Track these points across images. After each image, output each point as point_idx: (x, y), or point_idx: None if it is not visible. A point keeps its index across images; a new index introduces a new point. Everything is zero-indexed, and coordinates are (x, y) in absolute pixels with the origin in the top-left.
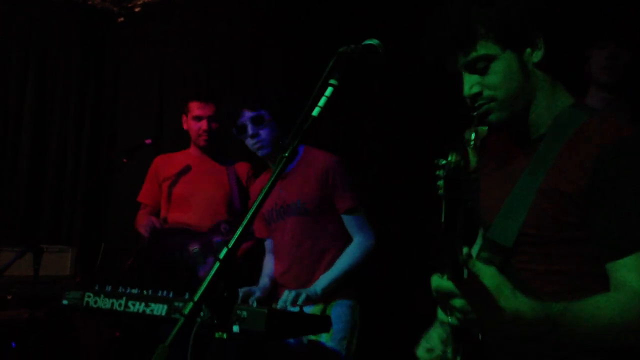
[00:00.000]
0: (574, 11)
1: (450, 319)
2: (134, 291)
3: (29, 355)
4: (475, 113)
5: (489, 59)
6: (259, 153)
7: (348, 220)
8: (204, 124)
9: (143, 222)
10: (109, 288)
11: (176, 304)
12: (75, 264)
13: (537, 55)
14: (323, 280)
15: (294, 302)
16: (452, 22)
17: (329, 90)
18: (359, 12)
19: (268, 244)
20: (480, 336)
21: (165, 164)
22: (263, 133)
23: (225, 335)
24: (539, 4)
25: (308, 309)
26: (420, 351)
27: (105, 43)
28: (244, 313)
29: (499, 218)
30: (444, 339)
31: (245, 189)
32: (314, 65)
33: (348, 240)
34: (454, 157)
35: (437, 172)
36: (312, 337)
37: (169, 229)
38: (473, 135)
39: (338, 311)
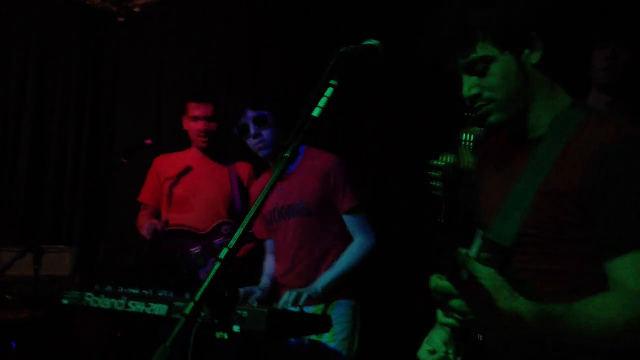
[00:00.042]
0: (574, 12)
1: (449, 320)
2: (135, 291)
3: (29, 355)
4: (473, 114)
5: (488, 61)
6: (261, 154)
7: (349, 221)
8: (200, 125)
9: (145, 225)
10: (109, 288)
11: (177, 304)
12: (75, 264)
13: (536, 57)
14: (324, 279)
15: (295, 303)
16: (450, 22)
17: (329, 91)
18: (357, 12)
19: (269, 244)
20: (480, 337)
21: (166, 165)
22: (265, 133)
23: (226, 336)
24: (538, 5)
25: (309, 309)
26: (423, 354)
27: (104, 43)
28: (245, 313)
29: (498, 219)
30: (446, 340)
31: (246, 189)
32: (311, 65)
33: (349, 240)
34: (449, 158)
35: (431, 173)
36: (314, 338)
37: (171, 231)
38: (467, 136)
39: (339, 311)
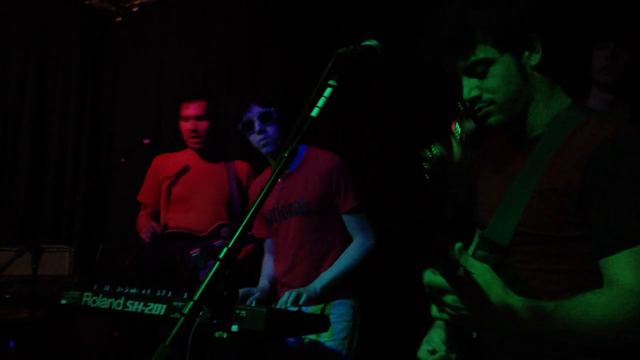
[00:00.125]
0: (573, 12)
1: (443, 315)
2: (133, 291)
3: (28, 355)
4: (466, 107)
5: (488, 63)
6: (264, 150)
7: (349, 221)
8: (189, 124)
9: (144, 227)
10: (107, 287)
11: (175, 303)
12: (74, 264)
13: (535, 58)
14: (323, 278)
15: (294, 303)
16: (450, 23)
17: (328, 91)
18: (357, 12)
19: (268, 243)
20: (474, 334)
21: (165, 164)
22: (270, 130)
23: (225, 335)
24: (538, 6)
25: (308, 309)
26: (422, 353)
27: (104, 43)
28: (243, 312)
29: (496, 217)
30: (445, 339)
31: (245, 189)
32: (311, 65)
33: (350, 240)
34: (437, 149)
35: (423, 165)
36: (313, 337)
37: (170, 234)
38: (457, 127)
39: (339, 311)
